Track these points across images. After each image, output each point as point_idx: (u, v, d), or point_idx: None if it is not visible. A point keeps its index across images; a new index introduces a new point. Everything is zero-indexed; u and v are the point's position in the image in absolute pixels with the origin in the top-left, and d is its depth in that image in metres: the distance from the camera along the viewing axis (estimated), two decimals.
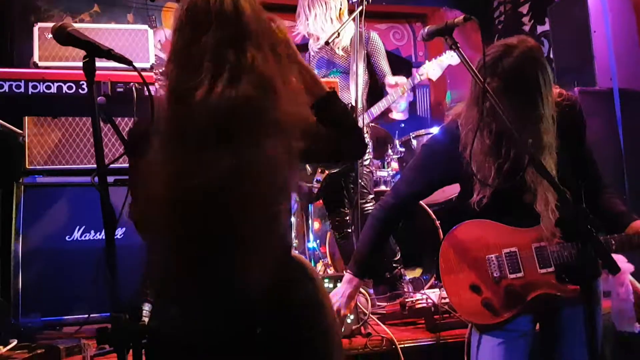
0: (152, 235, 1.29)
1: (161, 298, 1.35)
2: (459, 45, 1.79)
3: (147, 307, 2.70)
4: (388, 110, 5.23)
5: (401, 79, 3.52)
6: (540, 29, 5.21)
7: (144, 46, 3.60)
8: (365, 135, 3.56)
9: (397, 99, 3.49)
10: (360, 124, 3.15)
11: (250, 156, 1.21)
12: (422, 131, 4.26)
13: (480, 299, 1.90)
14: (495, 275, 1.87)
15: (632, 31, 3.78)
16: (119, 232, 3.20)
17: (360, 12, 3.13)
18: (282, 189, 1.30)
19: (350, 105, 3.36)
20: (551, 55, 4.78)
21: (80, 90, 2.34)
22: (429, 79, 3.70)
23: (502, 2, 5.74)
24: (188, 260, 1.26)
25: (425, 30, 1.89)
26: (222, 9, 1.28)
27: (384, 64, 3.59)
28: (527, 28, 5.40)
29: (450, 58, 3.65)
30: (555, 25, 4.30)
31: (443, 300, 2.73)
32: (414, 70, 6.00)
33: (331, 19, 3.39)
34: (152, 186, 1.22)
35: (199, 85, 1.22)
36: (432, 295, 2.80)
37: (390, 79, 3.49)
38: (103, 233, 1.29)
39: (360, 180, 3.42)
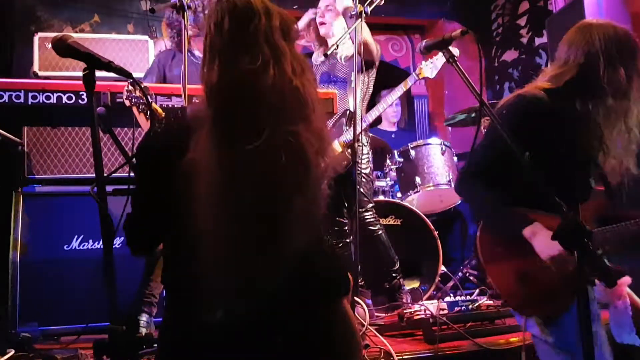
0: (201, 232, 1.24)
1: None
2: (456, 58, 1.80)
3: (144, 318, 2.71)
4: (378, 121, 5.25)
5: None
6: (538, 41, 5.24)
7: (144, 56, 3.62)
8: (365, 144, 3.57)
9: (393, 103, 3.53)
10: (357, 131, 3.17)
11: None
12: (421, 142, 4.28)
13: (531, 289, 1.88)
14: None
15: None
16: (117, 242, 3.19)
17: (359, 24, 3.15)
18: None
19: (348, 111, 3.38)
20: (549, 67, 4.82)
21: (79, 101, 2.35)
22: (427, 78, 3.71)
23: (501, 14, 5.78)
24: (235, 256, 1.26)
25: (423, 44, 1.90)
26: (263, 2, 1.36)
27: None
28: (525, 40, 5.44)
29: (443, 58, 3.67)
30: (553, 37, 4.32)
31: (441, 312, 2.73)
32: (420, 82, 6.06)
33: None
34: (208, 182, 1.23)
35: (262, 69, 1.27)
36: (431, 306, 2.79)
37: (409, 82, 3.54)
38: (101, 243, 1.29)
39: (360, 189, 3.43)
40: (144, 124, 2.11)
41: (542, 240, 1.79)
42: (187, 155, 1.24)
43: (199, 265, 1.23)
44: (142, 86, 1.80)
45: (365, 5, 3.22)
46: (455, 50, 3.37)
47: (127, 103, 2.10)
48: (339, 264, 1.51)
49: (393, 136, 5.33)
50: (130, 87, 2.07)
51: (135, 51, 3.65)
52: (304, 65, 1.37)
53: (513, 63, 5.62)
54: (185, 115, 1.39)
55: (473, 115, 4.40)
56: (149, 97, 1.94)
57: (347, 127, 3.37)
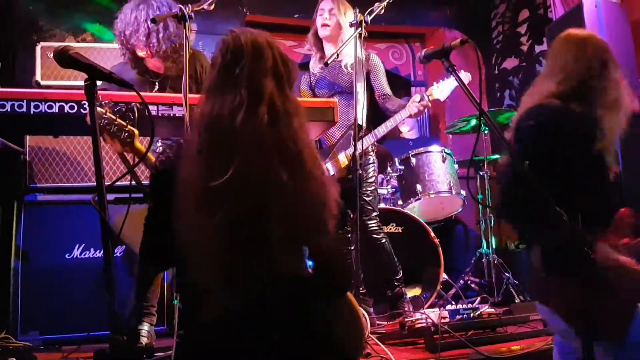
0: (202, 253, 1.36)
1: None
2: (455, 67, 1.81)
3: (146, 328, 2.71)
4: (398, 129, 5.24)
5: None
6: (538, 48, 5.26)
7: None
8: (371, 153, 3.57)
9: (405, 118, 3.50)
10: (364, 144, 3.18)
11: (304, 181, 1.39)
12: (422, 149, 4.28)
13: None
14: None
15: (629, 51, 3.82)
16: (118, 250, 3.21)
17: (360, 34, 3.16)
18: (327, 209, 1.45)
19: (360, 125, 3.38)
20: (544, 78, 4.83)
21: (82, 110, 2.36)
22: (437, 99, 3.68)
23: (501, 22, 5.81)
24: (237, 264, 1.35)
25: (423, 53, 1.91)
26: (257, 46, 1.45)
27: (383, 81, 3.62)
28: (525, 48, 5.46)
29: (455, 81, 3.64)
30: None
31: (443, 320, 2.72)
32: (421, 89, 6.06)
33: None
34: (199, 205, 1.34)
35: (235, 109, 1.37)
36: (432, 314, 2.79)
37: (416, 97, 3.49)
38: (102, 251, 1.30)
39: (367, 198, 3.44)
40: (115, 147, 1.97)
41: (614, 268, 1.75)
42: (179, 176, 1.36)
43: (196, 272, 1.34)
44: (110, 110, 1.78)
45: (365, 14, 3.23)
46: (467, 75, 3.37)
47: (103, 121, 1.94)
48: (344, 260, 1.60)
49: (411, 143, 5.36)
50: (100, 109, 1.91)
51: None
52: (293, 110, 1.45)
53: (513, 71, 5.63)
54: (181, 145, 1.47)
55: (474, 123, 4.41)
56: (127, 117, 1.93)
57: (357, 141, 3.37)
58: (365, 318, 2.65)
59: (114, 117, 1.93)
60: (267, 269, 1.37)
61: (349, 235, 3.53)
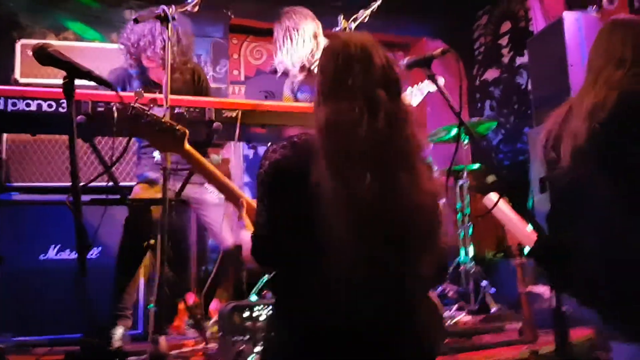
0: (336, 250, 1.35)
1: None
2: (436, 76, 1.83)
3: (120, 331, 2.67)
4: None
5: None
6: (519, 60, 5.34)
7: None
8: None
9: None
10: None
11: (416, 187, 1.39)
12: None
13: None
14: None
15: None
16: (95, 252, 3.16)
17: None
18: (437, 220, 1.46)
19: None
20: (529, 87, 4.91)
21: (60, 109, 2.32)
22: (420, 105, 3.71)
23: (483, 34, 5.88)
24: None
25: (405, 61, 1.93)
26: (367, 54, 1.45)
27: None
28: (506, 60, 5.54)
29: (430, 85, 3.69)
30: (533, 58, 4.41)
31: None
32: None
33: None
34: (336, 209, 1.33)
35: (355, 119, 1.37)
36: None
37: None
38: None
39: None
40: (164, 147, 1.88)
41: None
42: (311, 177, 1.35)
43: (331, 276, 1.32)
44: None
45: (350, 21, 3.25)
46: (440, 79, 3.39)
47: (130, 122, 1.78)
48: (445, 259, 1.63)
49: None
50: (139, 106, 1.74)
51: (118, 60, 3.64)
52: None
53: (494, 82, 5.70)
54: (305, 140, 1.46)
55: (454, 132, 4.45)
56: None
57: None
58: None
59: (159, 116, 1.78)
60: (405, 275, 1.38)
61: None
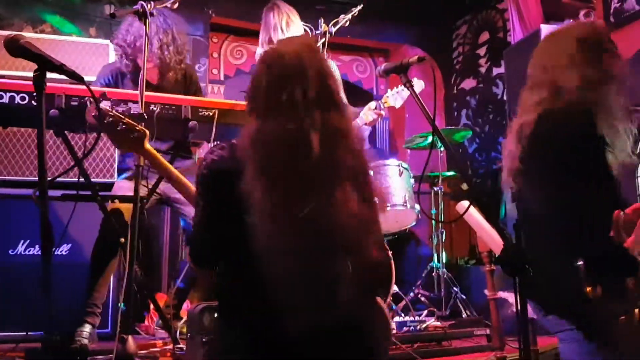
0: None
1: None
2: (413, 83, 1.85)
3: (87, 329, 2.63)
4: None
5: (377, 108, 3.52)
6: (495, 70, 5.42)
7: (104, 60, 3.56)
8: None
9: (360, 126, 3.51)
10: None
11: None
12: (380, 162, 4.33)
13: None
14: None
15: None
16: (65, 249, 3.12)
17: (324, 44, 3.20)
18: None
19: None
20: (504, 97, 4.98)
21: (33, 102, 2.29)
22: (392, 107, 3.71)
23: (462, 43, 5.96)
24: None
25: (382, 67, 1.94)
26: (302, 68, 1.43)
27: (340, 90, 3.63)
28: (483, 70, 5.61)
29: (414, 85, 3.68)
30: (509, 68, 4.48)
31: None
32: (375, 99, 6.14)
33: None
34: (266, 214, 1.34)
35: (290, 135, 1.37)
36: None
37: (371, 104, 3.50)
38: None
39: None
40: (124, 146, 1.87)
41: None
42: (241, 183, 1.36)
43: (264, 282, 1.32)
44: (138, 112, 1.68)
45: (330, 25, 3.27)
46: (420, 84, 3.41)
47: (93, 121, 1.85)
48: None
49: None
50: (103, 107, 1.76)
51: (95, 55, 3.60)
52: (339, 132, 1.45)
53: (471, 91, 5.78)
54: (236, 148, 1.46)
55: (431, 139, 4.49)
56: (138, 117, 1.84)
57: None
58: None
59: (121, 115, 1.78)
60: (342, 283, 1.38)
61: None
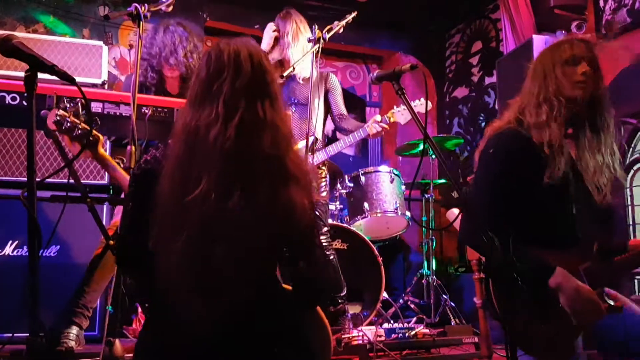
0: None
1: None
2: (404, 90, 1.85)
3: (74, 331, 2.61)
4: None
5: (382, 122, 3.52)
6: (488, 80, 5.45)
7: (97, 62, 3.55)
8: (323, 168, 3.59)
9: (363, 137, 3.53)
10: (318, 159, 3.24)
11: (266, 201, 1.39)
12: (371, 168, 4.34)
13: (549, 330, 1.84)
14: None
15: None
16: (53, 250, 3.09)
17: (318, 50, 3.21)
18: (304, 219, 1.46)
19: (315, 138, 3.41)
20: (496, 107, 5.01)
21: (24, 102, 2.27)
22: (397, 122, 3.70)
23: (455, 52, 5.99)
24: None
25: (375, 74, 1.95)
26: (238, 62, 1.46)
27: (340, 102, 3.66)
28: (475, 79, 5.65)
29: (418, 106, 3.67)
30: (501, 78, 4.51)
31: (379, 338, 2.75)
32: (375, 110, 6.17)
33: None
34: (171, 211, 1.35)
35: (210, 124, 1.39)
36: (369, 332, 2.81)
37: (377, 117, 3.52)
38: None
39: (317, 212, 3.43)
40: (76, 151, 1.93)
41: (568, 294, 1.78)
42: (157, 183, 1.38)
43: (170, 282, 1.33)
44: (89, 112, 1.75)
45: (324, 31, 3.27)
46: (428, 104, 3.42)
47: (53, 127, 1.93)
48: (328, 273, 1.64)
49: (351, 160, 5.40)
50: (63, 112, 1.90)
51: (88, 56, 3.58)
52: (263, 124, 1.44)
53: (463, 100, 5.81)
54: (161, 150, 1.50)
55: (422, 147, 4.50)
56: (92, 122, 1.91)
57: (310, 154, 3.39)
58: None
59: (77, 120, 1.90)
60: (241, 286, 1.38)
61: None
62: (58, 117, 1.90)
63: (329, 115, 3.70)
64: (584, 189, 1.92)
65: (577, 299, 1.77)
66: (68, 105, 1.95)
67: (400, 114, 3.52)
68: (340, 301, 3.52)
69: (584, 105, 1.90)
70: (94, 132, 1.92)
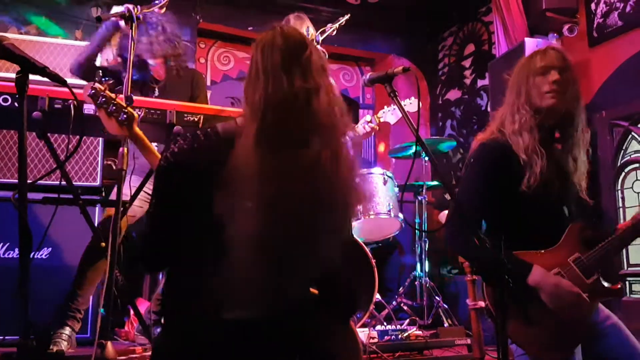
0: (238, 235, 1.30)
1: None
2: (397, 93, 1.86)
3: (67, 332, 2.60)
4: None
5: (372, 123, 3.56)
6: (480, 82, 5.47)
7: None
8: None
9: (352, 138, 3.56)
10: None
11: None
12: (364, 170, 4.35)
13: (542, 329, 1.88)
14: None
15: None
16: (45, 252, 3.08)
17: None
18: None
19: None
20: (489, 109, 5.03)
21: (16, 104, 2.26)
22: (387, 122, 3.75)
23: (447, 55, 6.02)
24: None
25: (367, 76, 1.96)
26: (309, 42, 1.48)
27: None
28: (468, 81, 5.67)
29: (408, 105, 3.72)
30: (494, 80, 4.53)
31: (371, 340, 2.75)
32: (369, 112, 6.17)
33: None
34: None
35: (313, 91, 1.39)
36: (361, 334, 2.81)
37: (367, 117, 3.56)
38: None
39: None
40: (113, 127, 1.88)
41: (548, 291, 1.84)
42: (227, 165, 1.30)
43: (231, 268, 1.27)
44: (108, 88, 1.70)
45: (317, 33, 3.29)
46: (415, 102, 3.45)
47: (90, 100, 1.86)
48: (357, 285, 1.59)
49: None
50: (99, 85, 1.85)
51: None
52: (336, 99, 1.47)
53: (456, 102, 5.83)
54: (218, 131, 1.42)
55: (414, 149, 4.52)
56: (127, 98, 1.88)
57: None
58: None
59: (113, 95, 1.86)
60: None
61: None
62: (93, 91, 1.84)
63: None
64: (571, 189, 1.99)
65: (557, 293, 1.83)
66: (103, 79, 1.91)
67: (390, 114, 3.54)
68: None
69: (558, 112, 1.98)
70: (129, 109, 1.87)
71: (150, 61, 3.01)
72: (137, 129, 1.88)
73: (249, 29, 5.35)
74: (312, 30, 3.55)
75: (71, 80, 3.61)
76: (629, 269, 3.76)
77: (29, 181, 1.39)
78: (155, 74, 3.11)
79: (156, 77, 3.11)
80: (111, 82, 1.88)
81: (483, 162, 1.98)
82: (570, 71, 2.01)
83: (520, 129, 1.98)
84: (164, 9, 2.52)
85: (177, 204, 1.37)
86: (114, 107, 1.84)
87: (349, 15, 3.45)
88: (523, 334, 1.86)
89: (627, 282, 3.76)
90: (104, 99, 1.84)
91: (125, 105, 1.86)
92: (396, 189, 4.42)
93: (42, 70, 1.29)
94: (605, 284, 1.92)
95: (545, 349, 1.86)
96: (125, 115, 1.84)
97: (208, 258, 1.34)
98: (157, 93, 3.08)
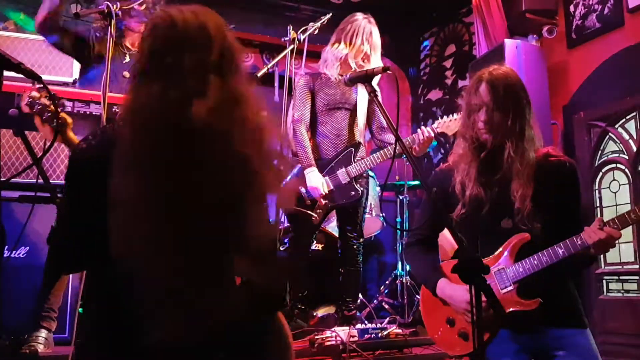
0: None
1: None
2: (377, 92, 1.87)
3: (43, 334, 2.57)
4: None
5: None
6: (461, 83, 5.52)
7: (68, 60, 3.50)
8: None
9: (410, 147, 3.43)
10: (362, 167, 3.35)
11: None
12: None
13: (456, 330, 2.06)
14: None
15: (544, 92, 4.08)
16: (22, 251, 3.03)
17: (292, 50, 3.22)
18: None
19: (359, 143, 3.47)
20: None
21: None
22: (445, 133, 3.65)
23: (429, 55, 6.06)
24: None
25: (348, 76, 1.96)
26: (203, 34, 1.32)
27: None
28: (449, 82, 5.72)
29: (452, 121, 3.59)
30: None
31: (351, 339, 2.76)
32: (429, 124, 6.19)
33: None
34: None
35: (184, 101, 1.21)
36: (342, 333, 2.82)
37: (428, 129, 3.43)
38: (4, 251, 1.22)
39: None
40: (46, 133, 1.95)
41: (449, 297, 2.03)
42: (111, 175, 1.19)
43: (139, 291, 1.17)
44: (52, 93, 1.69)
45: (299, 32, 3.28)
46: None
47: (27, 109, 1.93)
48: (282, 279, 1.51)
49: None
50: (35, 93, 1.92)
51: (59, 54, 3.53)
52: (236, 98, 1.30)
53: (437, 102, 5.87)
54: (109, 131, 1.31)
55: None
56: (57, 105, 1.90)
57: (354, 160, 3.39)
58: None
59: (47, 102, 1.91)
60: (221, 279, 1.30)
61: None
62: (30, 99, 1.93)
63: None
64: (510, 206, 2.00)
65: (452, 304, 2.03)
66: (39, 87, 1.95)
67: (445, 125, 3.49)
68: (352, 307, 3.51)
69: (493, 144, 2.03)
70: (63, 114, 1.91)
71: (132, 26, 2.91)
72: (71, 134, 1.93)
73: (231, 27, 5.32)
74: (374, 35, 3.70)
75: (50, 77, 3.57)
76: (606, 267, 3.83)
77: (4, 179, 1.37)
78: (130, 43, 3.02)
79: (130, 45, 3.02)
80: (46, 89, 1.89)
81: (429, 187, 1.99)
82: (502, 101, 2.01)
83: (459, 159, 2.10)
84: (144, 6, 2.50)
85: (86, 201, 1.30)
86: (49, 114, 1.92)
87: (331, 14, 3.45)
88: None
89: (604, 281, 3.83)
90: (39, 107, 1.93)
91: (58, 111, 1.92)
92: (378, 189, 4.43)
93: (17, 67, 1.27)
94: (519, 298, 1.95)
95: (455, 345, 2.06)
96: (59, 122, 1.90)
97: (105, 268, 1.26)
98: (127, 59, 3.00)
